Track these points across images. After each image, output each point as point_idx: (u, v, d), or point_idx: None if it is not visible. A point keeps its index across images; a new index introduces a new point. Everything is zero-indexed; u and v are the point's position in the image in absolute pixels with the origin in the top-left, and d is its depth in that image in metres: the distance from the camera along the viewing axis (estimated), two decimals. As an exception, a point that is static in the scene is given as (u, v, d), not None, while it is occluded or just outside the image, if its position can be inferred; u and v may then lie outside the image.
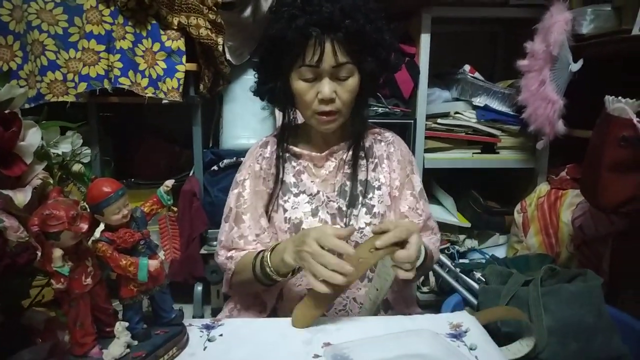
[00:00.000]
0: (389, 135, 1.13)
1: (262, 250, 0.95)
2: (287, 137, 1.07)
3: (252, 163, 1.08)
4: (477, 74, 1.85)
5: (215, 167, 1.83)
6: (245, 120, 1.83)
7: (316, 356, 0.73)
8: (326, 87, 0.93)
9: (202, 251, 1.81)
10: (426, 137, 1.82)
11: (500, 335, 1.00)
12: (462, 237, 1.95)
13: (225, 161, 1.80)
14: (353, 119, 1.04)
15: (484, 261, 1.80)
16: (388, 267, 0.86)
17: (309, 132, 1.09)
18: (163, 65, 1.64)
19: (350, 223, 1.01)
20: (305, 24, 0.90)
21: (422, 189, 1.11)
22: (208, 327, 0.82)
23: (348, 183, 1.04)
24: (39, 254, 0.65)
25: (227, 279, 1.05)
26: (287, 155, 1.08)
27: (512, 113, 1.80)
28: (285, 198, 1.04)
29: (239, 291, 1.07)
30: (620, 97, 1.16)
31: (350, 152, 1.05)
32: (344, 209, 1.02)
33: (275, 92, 1.02)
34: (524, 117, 1.68)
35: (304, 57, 0.92)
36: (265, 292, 1.02)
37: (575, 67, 1.57)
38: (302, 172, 1.06)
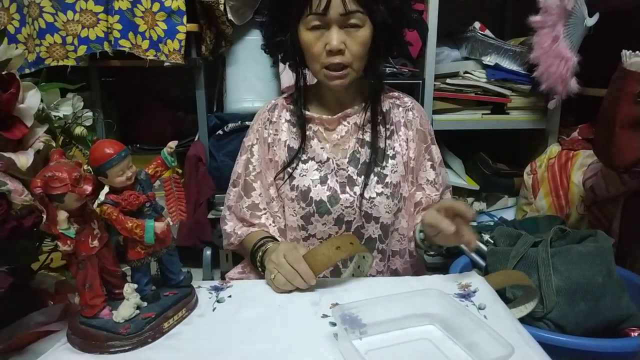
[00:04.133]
0: (409, 100, 1.08)
1: (260, 240, 0.96)
2: (303, 100, 1.02)
3: (260, 127, 1.06)
4: (487, 32, 1.78)
5: (220, 132, 1.80)
6: (249, 82, 1.79)
7: (324, 316, 0.73)
8: (334, 36, 0.89)
9: (210, 216, 1.81)
10: (434, 98, 1.77)
11: (506, 299, 1.00)
12: (470, 199, 1.94)
13: (230, 125, 1.77)
14: (367, 77, 0.99)
15: (492, 224, 1.78)
16: (366, 259, 0.93)
17: (320, 93, 1.04)
18: (163, 26, 1.60)
19: (361, 192, 0.98)
20: None
21: (442, 160, 1.08)
22: (217, 289, 0.82)
23: (361, 150, 1.00)
24: (45, 216, 0.65)
25: (225, 245, 1.07)
26: (296, 120, 1.04)
27: (523, 72, 1.74)
28: (293, 165, 1.01)
29: None
30: (637, 52, 1.12)
31: (365, 116, 1.00)
32: (355, 177, 0.99)
33: (283, 46, 0.98)
34: (536, 76, 1.63)
35: (310, 5, 0.88)
36: None
37: (591, 21, 1.51)
38: (312, 138, 1.02)
